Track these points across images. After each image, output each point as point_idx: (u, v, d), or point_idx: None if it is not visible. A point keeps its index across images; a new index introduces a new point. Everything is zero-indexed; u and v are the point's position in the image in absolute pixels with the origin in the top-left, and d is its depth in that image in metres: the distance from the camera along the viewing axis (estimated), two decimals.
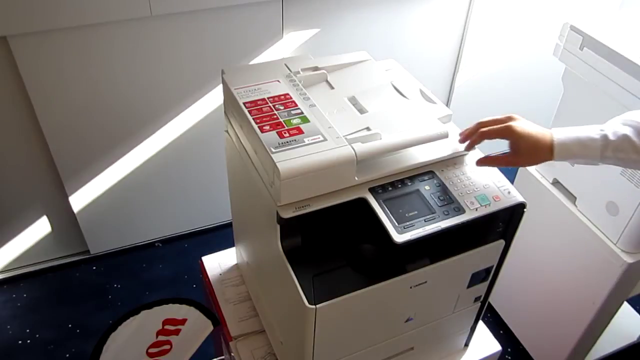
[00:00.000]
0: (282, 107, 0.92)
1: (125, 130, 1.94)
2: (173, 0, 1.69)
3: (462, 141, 0.95)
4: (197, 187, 2.20)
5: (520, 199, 0.91)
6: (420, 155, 0.92)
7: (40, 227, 2.08)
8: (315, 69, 1.03)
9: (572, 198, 1.59)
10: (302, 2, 1.92)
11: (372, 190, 0.87)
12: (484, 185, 0.91)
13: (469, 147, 0.94)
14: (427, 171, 0.92)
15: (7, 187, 1.93)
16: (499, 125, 0.91)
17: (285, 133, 0.86)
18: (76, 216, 2.06)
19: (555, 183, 1.65)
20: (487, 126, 0.92)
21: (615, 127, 0.89)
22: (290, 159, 0.81)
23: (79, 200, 2.02)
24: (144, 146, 2.00)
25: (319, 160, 0.82)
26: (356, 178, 0.86)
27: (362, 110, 0.95)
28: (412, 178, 0.90)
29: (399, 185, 0.89)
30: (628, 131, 0.87)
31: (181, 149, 2.07)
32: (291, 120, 0.89)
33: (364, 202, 0.86)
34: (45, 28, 1.61)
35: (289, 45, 2.00)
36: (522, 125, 0.90)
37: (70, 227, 2.11)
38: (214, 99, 1.99)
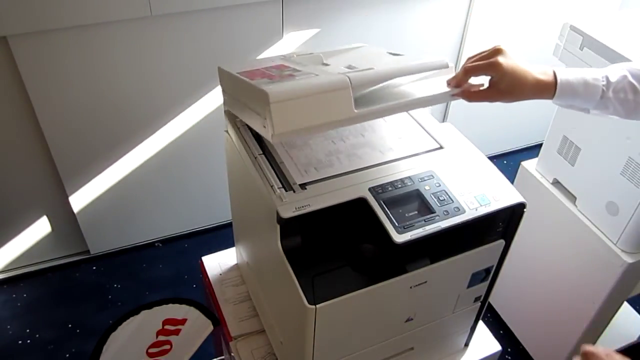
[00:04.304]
0: (275, 70, 0.91)
1: (126, 130, 1.94)
2: (173, 0, 1.69)
3: (449, 82, 0.89)
4: (197, 187, 2.20)
5: (520, 199, 0.91)
6: (416, 91, 0.88)
7: (40, 227, 2.08)
8: (311, 53, 1.03)
9: (572, 198, 1.59)
10: (302, 2, 1.92)
11: (372, 190, 0.87)
12: (484, 185, 0.91)
13: (455, 86, 0.88)
14: (426, 170, 0.92)
15: (7, 187, 1.93)
16: (484, 62, 0.86)
17: (276, 77, 0.84)
18: (76, 216, 2.06)
19: (555, 183, 1.65)
20: (472, 62, 0.88)
21: (614, 70, 0.91)
22: (280, 88, 0.77)
23: (79, 200, 2.02)
24: (144, 146, 2.00)
25: (310, 84, 0.79)
26: (355, 110, 0.80)
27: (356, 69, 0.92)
28: (412, 178, 0.90)
29: (399, 185, 0.89)
30: (626, 72, 0.90)
31: (181, 149, 2.07)
32: (283, 72, 0.88)
33: (363, 202, 0.86)
34: (45, 28, 1.61)
35: (289, 45, 2.00)
36: (508, 61, 0.85)
37: (70, 227, 2.11)
38: (214, 99, 1.99)
